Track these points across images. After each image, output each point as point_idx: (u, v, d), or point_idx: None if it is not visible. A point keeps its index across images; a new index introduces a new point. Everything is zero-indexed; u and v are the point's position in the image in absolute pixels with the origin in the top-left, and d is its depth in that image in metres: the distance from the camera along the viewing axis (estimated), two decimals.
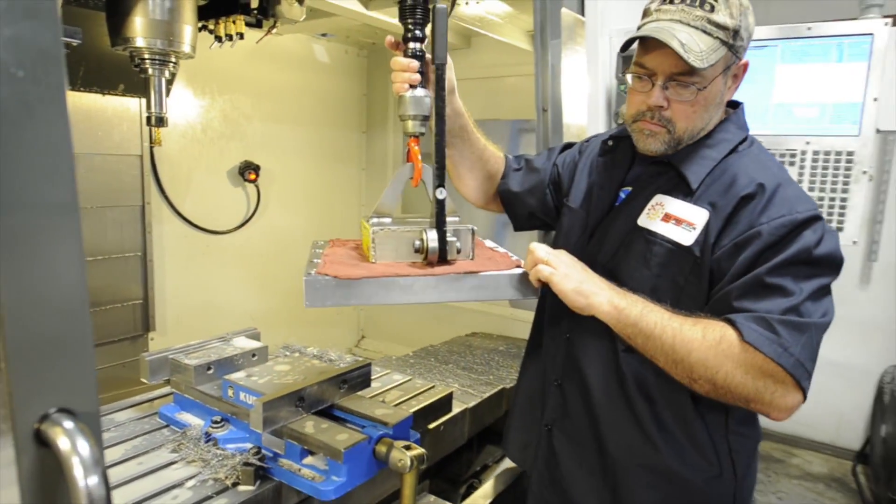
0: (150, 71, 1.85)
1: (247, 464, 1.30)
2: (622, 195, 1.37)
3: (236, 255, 3.48)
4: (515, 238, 2.73)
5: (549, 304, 1.39)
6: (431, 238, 1.22)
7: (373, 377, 1.66)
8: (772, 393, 1.09)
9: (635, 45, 1.22)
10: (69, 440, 0.59)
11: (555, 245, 1.41)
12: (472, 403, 2.01)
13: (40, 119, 0.59)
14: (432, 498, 1.89)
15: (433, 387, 1.89)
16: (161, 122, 1.93)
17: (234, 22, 2.04)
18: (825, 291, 1.14)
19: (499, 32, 2.72)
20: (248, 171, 3.40)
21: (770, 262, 1.11)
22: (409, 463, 1.29)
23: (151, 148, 2.89)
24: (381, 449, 1.34)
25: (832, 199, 1.93)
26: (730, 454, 1.27)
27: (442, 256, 1.23)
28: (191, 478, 1.30)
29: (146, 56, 1.82)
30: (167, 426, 1.57)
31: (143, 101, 2.67)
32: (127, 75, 2.51)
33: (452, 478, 2.17)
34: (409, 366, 2.48)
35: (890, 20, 1.83)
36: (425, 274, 1.19)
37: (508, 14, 2.72)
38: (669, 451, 1.26)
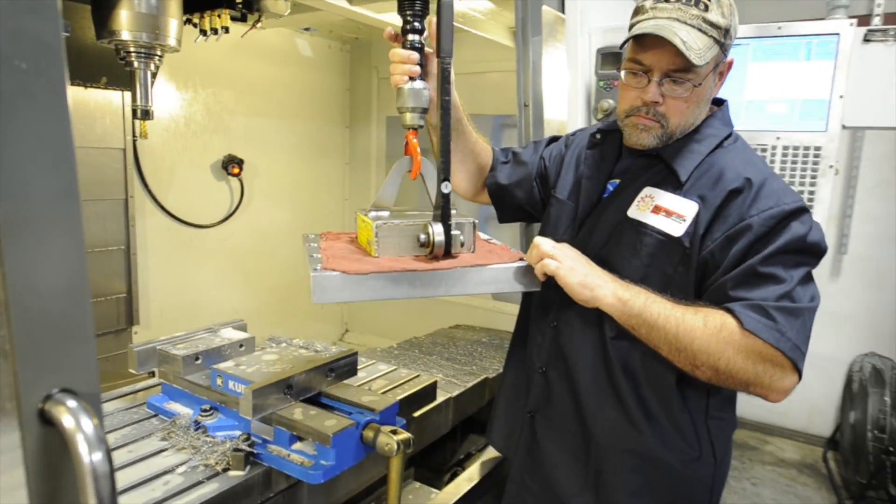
0: (135, 64, 1.86)
1: (237, 450, 1.32)
2: (610, 187, 1.40)
3: (220, 248, 3.48)
4: (498, 230, 2.78)
5: (537, 294, 1.40)
6: (437, 232, 1.19)
7: (359, 367, 1.69)
8: (770, 376, 1.13)
9: (628, 42, 1.24)
10: (73, 418, 0.60)
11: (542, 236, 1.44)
12: (455, 393, 2.04)
13: (43, 110, 0.60)
14: (417, 484, 1.93)
15: (418, 376, 1.92)
16: (147, 114, 1.94)
17: (219, 16, 2.05)
18: (810, 277, 1.19)
19: (481, 29, 2.75)
20: (231, 164, 3.40)
21: (761, 252, 1.16)
22: (395, 447, 1.32)
23: (135, 141, 2.88)
24: (369, 434, 1.36)
25: (801, 192, 2.00)
26: (709, 437, 1.32)
27: (447, 250, 1.21)
28: (181, 464, 1.32)
29: (132, 49, 1.83)
30: (156, 416, 1.57)
31: (126, 94, 2.68)
32: (110, 68, 2.52)
33: (436, 466, 2.20)
34: (393, 357, 2.50)
35: (855, 21, 1.90)
36: (434, 268, 1.17)
37: (490, 11, 2.74)
38: (653, 436, 1.30)
